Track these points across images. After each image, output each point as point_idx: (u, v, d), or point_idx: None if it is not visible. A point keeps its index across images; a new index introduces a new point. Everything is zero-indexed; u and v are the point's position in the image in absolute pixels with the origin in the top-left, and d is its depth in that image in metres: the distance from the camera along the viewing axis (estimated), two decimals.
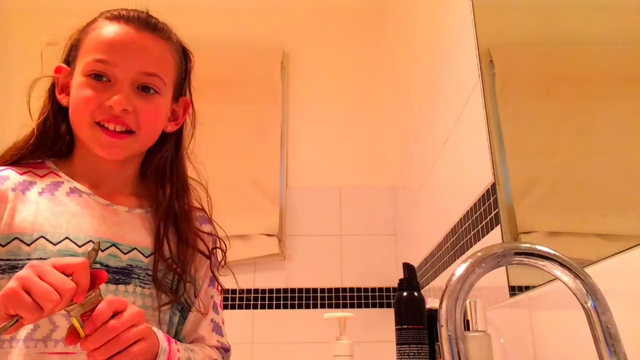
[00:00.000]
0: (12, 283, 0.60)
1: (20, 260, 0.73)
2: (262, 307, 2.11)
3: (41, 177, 0.82)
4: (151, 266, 0.82)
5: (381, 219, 2.24)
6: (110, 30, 0.82)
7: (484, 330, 0.87)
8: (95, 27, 0.84)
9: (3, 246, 0.74)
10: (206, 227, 0.94)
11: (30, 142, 0.83)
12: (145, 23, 0.84)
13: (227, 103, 2.32)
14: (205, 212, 0.96)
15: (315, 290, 2.14)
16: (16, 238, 0.74)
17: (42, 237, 0.75)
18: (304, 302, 2.12)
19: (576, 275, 0.53)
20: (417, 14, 1.91)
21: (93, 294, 0.65)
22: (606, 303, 0.52)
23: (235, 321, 2.09)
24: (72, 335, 0.65)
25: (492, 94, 1.10)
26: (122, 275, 0.79)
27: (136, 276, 0.80)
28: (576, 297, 0.53)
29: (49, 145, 0.85)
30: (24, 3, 2.46)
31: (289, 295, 2.13)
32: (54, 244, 0.75)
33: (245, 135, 2.29)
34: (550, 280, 0.81)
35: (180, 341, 0.84)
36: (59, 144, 0.86)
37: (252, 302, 2.11)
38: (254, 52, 2.42)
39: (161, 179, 0.90)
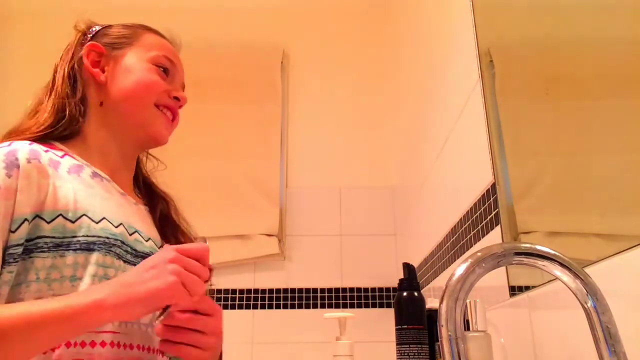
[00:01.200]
0: (171, 278, 0.65)
1: (65, 237, 0.72)
2: (262, 307, 2.11)
3: (60, 157, 0.80)
4: None
5: (381, 219, 2.24)
6: (166, 42, 0.94)
7: (484, 330, 0.87)
8: (145, 31, 0.93)
9: (48, 222, 0.72)
10: (191, 235, 1.00)
11: (61, 122, 0.83)
12: (179, 43, 0.97)
13: (227, 103, 2.32)
14: (179, 215, 1.00)
15: (315, 290, 2.14)
16: (60, 215, 0.73)
17: (84, 215, 0.75)
18: (304, 302, 2.12)
19: (576, 275, 0.53)
20: (417, 14, 1.91)
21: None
22: (606, 303, 0.52)
23: (235, 321, 2.09)
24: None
25: (492, 94, 1.10)
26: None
27: None
28: (576, 297, 0.53)
29: (67, 125, 0.84)
30: (24, 3, 2.46)
31: (289, 295, 2.13)
32: (96, 222, 0.75)
33: (245, 135, 2.29)
34: (550, 280, 0.81)
35: None
36: (75, 124, 0.85)
37: (252, 302, 2.11)
38: (254, 52, 2.42)
39: (147, 184, 0.97)
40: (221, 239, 2.12)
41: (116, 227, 0.78)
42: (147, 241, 0.83)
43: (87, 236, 0.73)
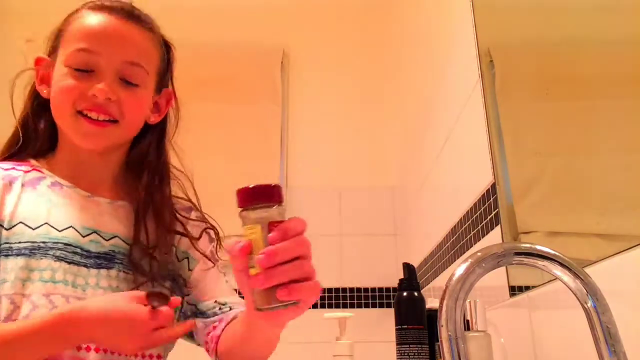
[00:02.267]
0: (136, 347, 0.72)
1: None
2: None
3: (24, 172, 0.83)
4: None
5: (381, 219, 2.24)
6: (93, 19, 0.82)
7: (484, 330, 0.87)
8: (78, 16, 0.83)
9: None
10: (193, 214, 0.94)
11: (18, 143, 0.85)
12: (129, 14, 0.84)
13: (227, 103, 2.32)
14: (191, 202, 0.95)
15: None
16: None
17: (20, 222, 0.77)
18: None
19: (576, 275, 0.53)
20: (417, 14, 1.91)
21: (281, 208, 0.54)
22: (606, 303, 0.52)
23: None
24: (246, 249, 0.55)
25: (492, 94, 1.10)
26: (104, 260, 0.80)
27: (119, 262, 0.81)
28: (576, 297, 0.53)
29: (33, 143, 0.86)
30: (23, 4, 2.46)
31: None
32: (33, 229, 0.77)
33: (245, 135, 2.29)
34: (550, 280, 0.81)
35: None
36: (42, 140, 0.86)
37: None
38: (254, 51, 2.42)
39: (141, 168, 0.90)
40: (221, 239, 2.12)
41: (61, 230, 0.78)
42: (108, 240, 0.82)
43: (20, 242, 0.75)
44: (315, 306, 2.17)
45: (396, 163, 2.25)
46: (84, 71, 0.80)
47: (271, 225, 0.54)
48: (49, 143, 0.87)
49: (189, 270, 0.89)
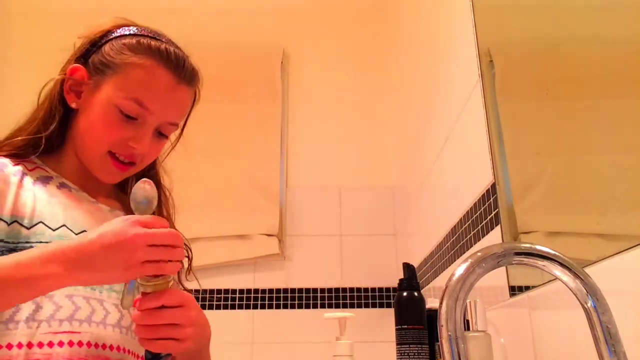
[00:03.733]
0: (135, 262, 0.65)
1: (19, 243, 0.75)
2: (262, 307, 2.10)
3: (30, 170, 0.84)
4: None
5: (381, 219, 2.24)
6: (158, 75, 0.83)
7: (484, 330, 0.87)
8: (144, 63, 0.82)
9: (8, 225, 0.75)
10: None
11: (37, 143, 0.84)
12: (186, 74, 0.86)
13: (227, 102, 2.32)
14: (173, 225, 0.96)
15: (315, 290, 2.14)
16: (16, 221, 0.76)
17: (41, 222, 0.77)
18: (304, 302, 2.12)
19: (576, 275, 0.53)
20: (417, 13, 1.91)
21: (157, 283, 0.70)
22: (606, 303, 0.52)
23: (235, 321, 2.09)
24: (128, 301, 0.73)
25: (492, 94, 1.10)
26: None
27: None
28: (576, 297, 0.53)
29: (45, 145, 0.86)
30: (24, 4, 2.46)
31: (289, 295, 2.13)
32: (53, 230, 0.77)
33: (245, 134, 2.29)
34: (550, 280, 0.81)
35: None
36: (51, 142, 0.87)
37: (252, 302, 2.11)
38: (254, 51, 2.42)
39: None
40: (221, 239, 2.12)
41: (77, 233, 0.79)
42: None
43: (41, 242, 0.76)
44: (315, 306, 2.18)
45: (396, 163, 2.25)
46: (130, 118, 0.82)
47: (142, 295, 0.70)
48: (55, 144, 0.88)
49: None
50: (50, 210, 0.79)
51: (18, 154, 0.84)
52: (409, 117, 2.00)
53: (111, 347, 0.77)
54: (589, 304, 0.52)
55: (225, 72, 2.36)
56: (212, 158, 2.25)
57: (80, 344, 0.74)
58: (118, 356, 0.77)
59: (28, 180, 0.81)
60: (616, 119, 0.70)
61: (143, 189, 0.72)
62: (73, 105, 0.85)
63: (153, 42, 0.84)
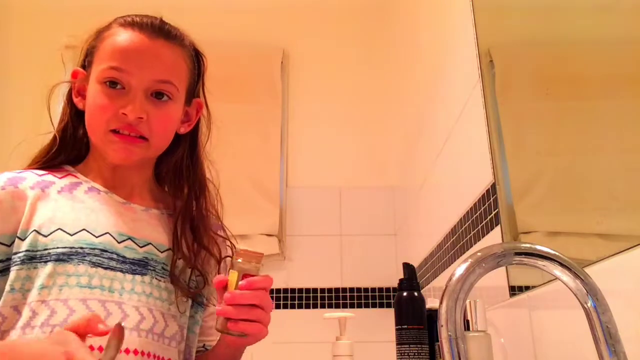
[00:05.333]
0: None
1: (37, 251, 0.76)
2: None
3: (60, 178, 0.85)
4: (167, 261, 0.85)
5: (381, 219, 2.24)
6: (124, 37, 0.83)
7: (484, 330, 0.87)
8: (110, 33, 0.85)
9: (22, 240, 0.76)
10: (221, 234, 0.97)
11: (53, 149, 0.87)
12: (159, 30, 0.85)
13: (227, 102, 2.32)
14: (219, 218, 0.98)
15: (315, 290, 2.14)
16: (34, 231, 0.77)
17: (59, 229, 0.78)
18: (304, 302, 2.12)
19: (576, 275, 0.53)
20: (417, 13, 1.91)
21: (257, 265, 0.76)
22: (606, 303, 0.52)
23: None
24: (221, 284, 0.76)
25: (492, 94, 1.10)
26: (138, 266, 0.82)
27: (152, 268, 0.83)
28: (576, 297, 0.53)
29: (69, 150, 0.88)
30: (25, 3, 2.46)
31: (289, 295, 2.13)
32: (71, 235, 0.78)
33: (245, 135, 2.29)
34: (550, 280, 0.81)
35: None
36: (78, 147, 0.89)
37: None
38: (254, 51, 2.42)
39: (178, 180, 0.93)
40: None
41: (98, 236, 0.79)
42: (142, 247, 0.83)
43: (58, 248, 0.76)
44: (315, 306, 2.18)
45: (396, 163, 2.25)
46: (116, 88, 0.82)
47: (245, 276, 0.75)
48: (84, 150, 0.89)
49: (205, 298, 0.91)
50: (73, 216, 0.80)
51: (50, 165, 0.86)
52: (409, 117, 2.00)
53: (127, 351, 0.75)
54: (589, 304, 0.52)
55: (225, 72, 2.36)
56: (212, 158, 2.25)
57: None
58: (132, 358, 0.75)
59: (54, 189, 0.82)
60: (616, 119, 0.70)
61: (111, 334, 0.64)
62: (80, 106, 0.86)
63: (121, 17, 0.86)
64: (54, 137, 0.87)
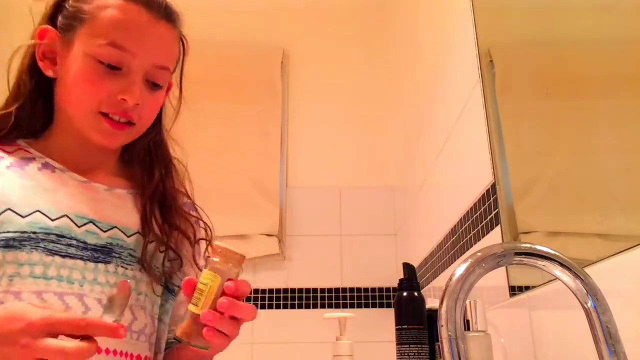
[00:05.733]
0: None
1: None
2: (262, 307, 2.10)
3: (9, 152, 0.76)
4: (134, 246, 0.78)
5: (381, 219, 2.24)
6: (132, 13, 0.75)
7: (484, 330, 0.87)
8: (111, 3, 0.75)
9: None
10: (194, 214, 0.90)
11: (8, 125, 0.77)
12: (164, 10, 0.78)
13: (227, 102, 2.32)
14: (189, 197, 0.91)
15: (315, 290, 2.14)
16: None
17: (8, 209, 0.69)
18: (304, 302, 2.12)
19: (576, 275, 0.53)
20: (417, 13, 1.91)
21: (238, 270, 0.65)
22: (606, 303, 0.52)
23: None
24: (191, 285, 0.65)
25: (492, 94, 1.10)
26: (101, 253, 0.74)
27: (117, 255, 0.75)
28: (576, 297, 0.53)
29: (26, 125, 0.79)
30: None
31: (289, 295, 2.13)
32: (23, 217, 0.69)
33: (245, 135, 2.29)
34: (550, 280, 0.81)
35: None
36: (36, 121, 0.79)
37: (252, 302, 2.11)
38: (254, 51, 2.42)
39: (146, 160, 0.86)
40: (221, 239, 2.12)
41: (53, 219, 0.71)
42: (106, 231, 0.75)
43: (8, 232, 0.68)
44: (315, 306, 2.17)
45: (396, 163, 2.25)
46: (113, 68, 0.74)
47: (228, 280, 0.64)
48: (42, 123, 0.80)
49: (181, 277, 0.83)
50: (23, 195, 0.71)
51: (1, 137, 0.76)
52: (409, 117, 2.00)
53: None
54: (589, 304, 0.52)
55: (225, 72, 2.36)
56: (212, 158, 2.25)
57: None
58: (100, 358, 0.69)
59: (2, 164, 0.74)
60: (616, 119, 0.70)
61: (110, 292, 0.64)
62: (49, 74, 0.77)
63: None
64: (7, 109, 0.77)
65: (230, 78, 2.35)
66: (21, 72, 0.78)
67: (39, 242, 0.69)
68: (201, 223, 0.89)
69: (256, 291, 2.13)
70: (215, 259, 0.65)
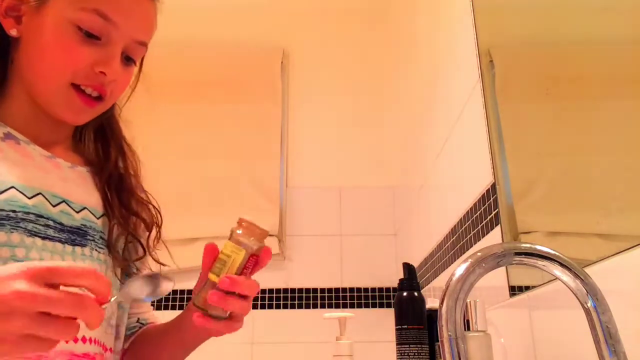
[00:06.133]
0: (8, 334, 0.46)
1: None
2: (262, 307, 2.10)
3: None
4: (104, 229, 0.74)
5: (381, 219, 2.24)
6: None
7: (484, 330, 0.87)
8: None
9: None
10: (143, 195, 0.84)
11: None
12: None
13: (227, 102, 2.32)
14: (138, 179, 0.85)
15: (315, 290, 2.14)
16: None
17: None
18: (304, 302, 2.12)
19: (576, 275, 0.53)
20: (417, 13, 1.91)
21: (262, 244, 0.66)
22: (606, 303, 0.52)
23: None
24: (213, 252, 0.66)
25: (492, 94, 1.10)
26: (77, 235, 0.69)
27: (91, 238, 0.71)
28: (576, 297, 0.53)
29: None
30: None
31: (289, 295, 2.13)
32: None
33: (245, 135, 2.29)
34: (550, 280, 0.81)
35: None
36: None
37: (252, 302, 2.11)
38: (254, 51, 2.42)
39: (98, 137, 0.82)
40: (221, 239, 2.12)
41: (30, 197, 0.65)
42: (78, 212, 0.71)
43: None
44: (315, 306, 2.17)
45: (396, 163, 2.25)
46: (92, 37, 0.68)
47: (251, 257, 0.66)
48: None
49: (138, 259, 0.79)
50: None
51: None
52: (409, 117, 2.00)
53: (76, 339, 0.65)
54: (589, 304, 0.52)
55: (225, 72, 2.36)
56: (212, 158, 2.25)
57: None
58: (78, 347, 0.64)
59: None
60: (616, 119, 0.70)
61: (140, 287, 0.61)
62: (12, 33, 0.69)
63: None
64: None
65: (230, 78, 2.35)
66: None
67: (19, 222, 0.63)
68: (151, 207, 0.83)
69: None
70: (239, 232, 0.67)
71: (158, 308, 1.97)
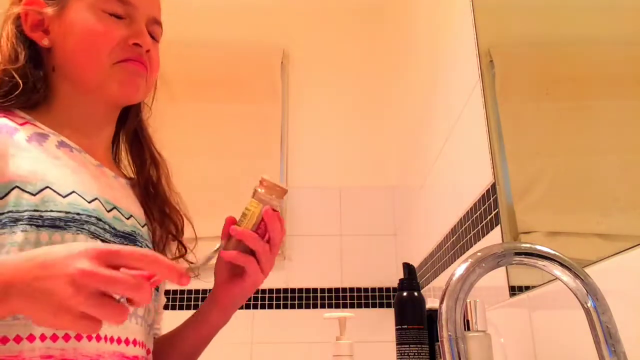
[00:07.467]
0: (64, 312, 0.47)
1: (25, 211, 0.61)
2: (262, 307, 2.10)
3: (20, 124, 0.69)
4: (148, 237, 0.78)
5: (381, 219, 2.24)
6: None
7: (484, 330, 0.87)
8: None
9: (1, 198, 0.61)
10: (174, 200, 0.88)
11: (15, 92, 0.70)
12: None
13: (227, 102, 2.32)
14: (170, 186, 0.87)
15: (315, 290, 2.14)
16: (16, 187, 0.62)
17: (47, 187, 0.64)
18: (304, 302, 2.12)
19: (576, 275, 0.53)
20: (417, 13, 1.91)
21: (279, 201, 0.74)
22: (606, 303, 0.52)
23: (235, 321, 2.07)
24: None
25: (492, 94, 1.10)
26: (129, 240, 0.72)
27: (140, 245, 0.74)
28: (576, 297, 0.53)
29: (25, 96, 0.72)
30: None
31: (289, 295, 2.13)
32: (63, 196, 0.65)
33: (245, 134, 2.29)
34: (550, 280, 0.81)
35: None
36: (37, 92, 0.73)
37: (252, 302, 2.11)
38: (254, 51, 2.42)
39: (136, 147, 0.85)
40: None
41: (89, 202, 0.67)
42: (128, 219, 0.74)
43: (52, 211, 0.62)
44: (315, 306, 2.17)
45: (396, 163, 2.25)
46: (118, 17, 0.74)
47: (270, 208, 0.73)
48: (38, 96, 0.74)
49: None
50: (56, 173, 0.66)
51: None
52: (409, 117, 2.00)
53: (127, 342, 0.67)
54: (589, 304, 0.52)
55: (225, 72, 2.36)
56: (212, 158, 2.25)
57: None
58: (120, 348, 0.66)
59: (20, 137, 0.67)
60: (616, 119, 0.70)
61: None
62: (45, 43, 0.73)
63: None
64: (8, 76, 0.70)
65: (230, 78, 2.35)
66: (13, 38, 0.73)
67: (83, 225, 0.64)
68: (180, 212, 0.87)
69: (256, 291, 2.13)
70: (260, 190, 0.73)
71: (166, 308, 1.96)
